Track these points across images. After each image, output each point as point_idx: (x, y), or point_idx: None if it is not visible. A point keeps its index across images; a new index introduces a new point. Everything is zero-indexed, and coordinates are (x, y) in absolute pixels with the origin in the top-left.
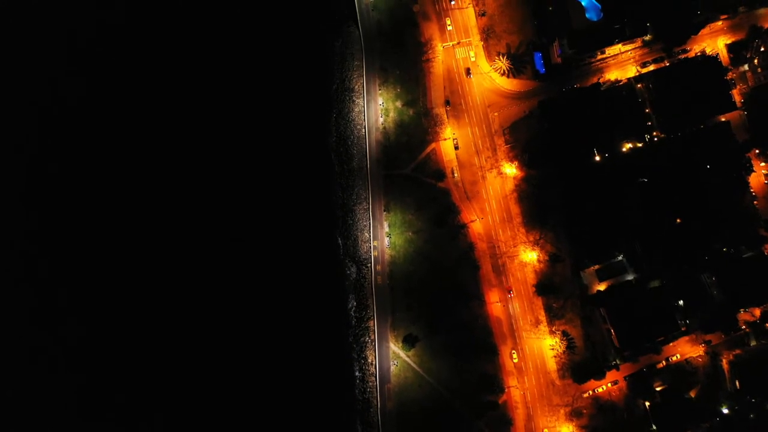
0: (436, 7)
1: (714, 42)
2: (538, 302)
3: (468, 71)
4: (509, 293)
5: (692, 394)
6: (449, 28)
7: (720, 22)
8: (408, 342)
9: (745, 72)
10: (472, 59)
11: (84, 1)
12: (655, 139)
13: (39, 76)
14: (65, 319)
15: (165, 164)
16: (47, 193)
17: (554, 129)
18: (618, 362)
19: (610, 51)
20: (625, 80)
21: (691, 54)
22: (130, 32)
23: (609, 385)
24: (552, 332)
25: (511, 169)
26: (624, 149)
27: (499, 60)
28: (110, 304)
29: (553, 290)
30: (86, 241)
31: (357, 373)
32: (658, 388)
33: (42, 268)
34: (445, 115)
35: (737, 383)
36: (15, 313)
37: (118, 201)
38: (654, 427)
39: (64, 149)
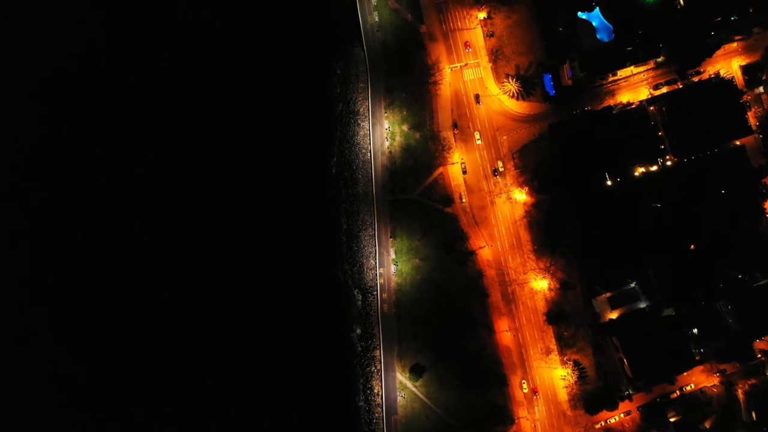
0: (443, 27)
1: (728, 63)
2: (549, 331)
3: (477, 98)
4: (535, 394)
5: (707, 424)
6: (468, 50)
7: (734, 44)
8: (415, 372)
9: (760, 94)
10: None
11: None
12: (668, 163)
13: (40, 76)
14: (67, 319)
15: (169, 185)
16: (52, 196)
17: (564, 153)
18: (631, 392)
19: (622, 73)
20: (638, 103)
21: (705, 76)
22: (132, 40)
23: (622, 415)
24: (563, 362)
25: (520, 195)
26: (636, 174)
27: (508, 82)
28: (111, 308)
29: (564, 318)
30: (89, 243)
31: (362, 404)
32: (672, 419)
33: (46, 271)
34: (453, 139)
35: (753, 414)
36: (15, 312)
37: (122, 214)
38: None
39: (68, 151)
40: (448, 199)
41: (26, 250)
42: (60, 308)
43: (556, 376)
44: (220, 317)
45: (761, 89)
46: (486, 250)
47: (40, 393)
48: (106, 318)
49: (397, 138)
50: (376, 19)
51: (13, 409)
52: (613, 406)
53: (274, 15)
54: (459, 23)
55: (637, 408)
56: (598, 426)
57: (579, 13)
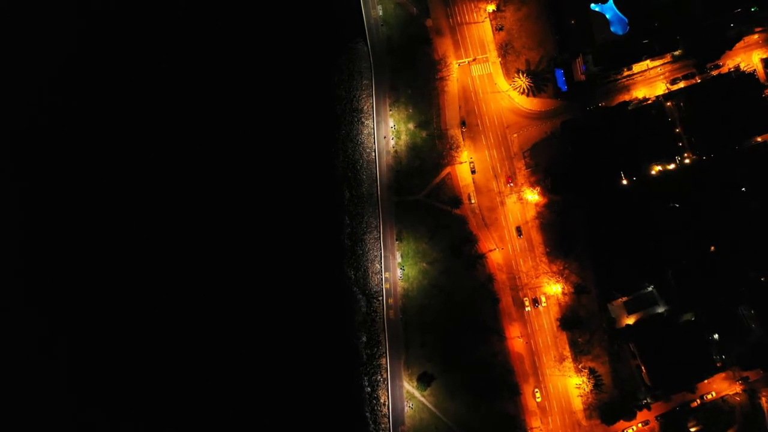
0: (450, 21)
1: (749, 56)
2: (563, 337)
3: (519, 230)
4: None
5: None
6: (510, 184)
7: (755, 36)
8: (423, 381)
9: None
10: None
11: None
12: (687, 161)
13: (40, 76)
14: (67, 319)
15: (170, 185)
16: (52, 196)
17: (578, 151)
18: (649, 401)
19: (637, 67)
20: (654, 98)
21: (725, 69)
22: (133, 40)
23: (639, 425)
24: (578, 369)
25: (532, 195)
26: (653, 172)
27: (519, 78)
28: (112, 308)
29: (579, 324)
30: (89, 243)
31: (368, 414)
32: (692, 429)
33: (46, 271)
34: (461, 137)
35: None
36: (14, 313)
37: (123, 214)
38: None
39: (68, 151)
40: (456, 200)
41: (26, 251)
42: (60, 308)
43: (571, 384)
44: (221, 319)
45: None
46: (496, 253)
47: (38, 392)
48: (107, 318)
49: (403, 137)
50: (380, 13)
51: (12, 410)
52: (630, 416)
53: (275, 10)
54: (467, 17)
55: (656, 417)
56: None
57: (592, 5)
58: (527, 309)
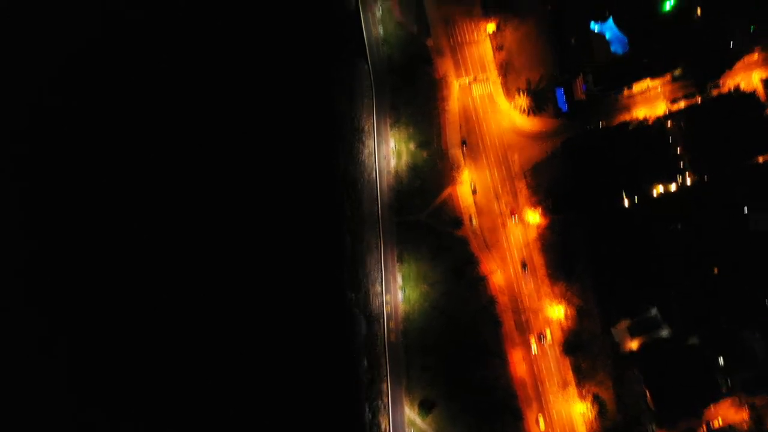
0: (451, 41)
1: (749, 76)
2: (566, 362)
3: (524, 265)
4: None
5: None
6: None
7: (755, 55)
8: (424, 407)
9: None
10: None
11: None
12: (688, 182)
13: (39, 76)
14: (66, 319)
15: (169, 186)
16: (51, 196)
17: (579, 171)
18: (654, 428)
19: (638, 87)
20: (654, 118)
21: (724, 89)
22: (132, 40)
23: None
24: (582, 395)
25: (533, 216)
26: (654, 193)
27: (519, 97)
28: (111, 308)
29: (582, 347)
30: (88, 243)
31: None
32: None
33: (45, 271)
34: (462, 157)
35: None
36: (14, 313)
37: (122, 214)
38: None
39: (67, 151)
40: (457, 220)
41: (25, 251)
42: (60, 308)
43: (575, 410)
44: (222, 323)
45: None
46: (498, 275)
47: (38, 392)
48: (107, 318)
49: (404, 157)
50: (381, 32)
51: (12, 410)
52: None
53: (276, 27)
54: (467, 36)
55: None
56: None
57: (592, 25)
58: (534, 353)
